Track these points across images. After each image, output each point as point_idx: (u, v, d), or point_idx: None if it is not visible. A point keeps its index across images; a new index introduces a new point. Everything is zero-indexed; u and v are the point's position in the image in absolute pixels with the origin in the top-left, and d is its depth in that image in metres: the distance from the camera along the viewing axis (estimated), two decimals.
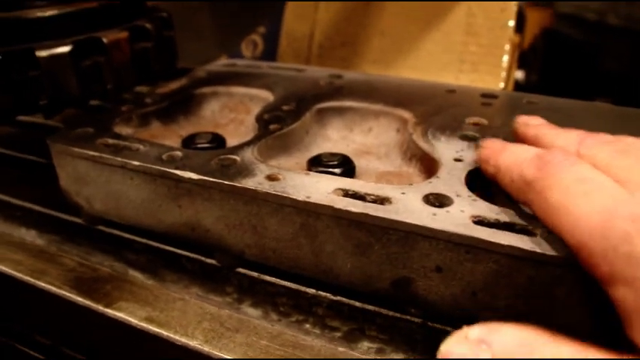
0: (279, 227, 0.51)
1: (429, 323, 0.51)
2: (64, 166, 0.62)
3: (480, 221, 0.45)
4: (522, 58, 1.72)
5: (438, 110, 0.66)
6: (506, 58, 0.96)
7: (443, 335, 0.51)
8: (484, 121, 0.63)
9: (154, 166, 0.55)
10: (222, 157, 0.56)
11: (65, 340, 0.64)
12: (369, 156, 0.65)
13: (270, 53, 1.20)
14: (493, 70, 0.96)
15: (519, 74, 1.47)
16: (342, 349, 0.49)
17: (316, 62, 1.12)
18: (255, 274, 0.57)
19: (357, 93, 0.72)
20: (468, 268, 0.44)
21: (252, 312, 0.55)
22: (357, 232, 0.47)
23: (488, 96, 0.72)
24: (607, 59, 2.20)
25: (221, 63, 0.88)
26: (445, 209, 0.46)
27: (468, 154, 0.56)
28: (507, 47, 0.96)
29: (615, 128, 0.52)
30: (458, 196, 0.48)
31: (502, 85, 0.98)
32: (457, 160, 0.55)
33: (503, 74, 0.96)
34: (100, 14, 0.71)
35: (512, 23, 0.99)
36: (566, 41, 2.17)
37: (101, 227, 0.65)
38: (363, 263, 0.49)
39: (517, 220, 0.45)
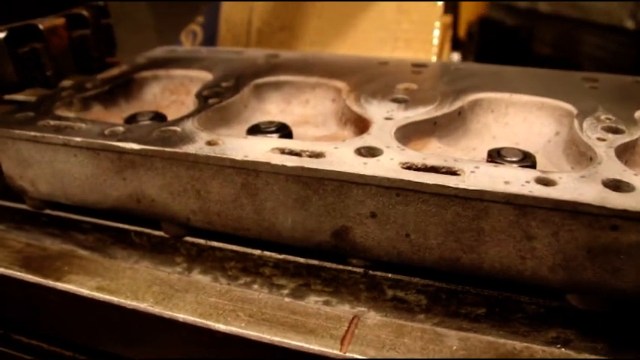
0: (222, 189, 0.53)
1: (370, 272, 0.54)
2: (6, 150, 0.62)
3: (408, 167, 0.48)
4: (460, 44, 1.78)
5: (371, 79, 0.69)
6: (436, 33, 1.00)
7: (385, 282, 0.54)
8: (414, 86, 0.67)
9: (96, 141, 0.56)
10: (162, 129, 0.57)
11: (17, 324, 0.64)
12: (307, 125, 0.68)
13: (210, 42, 1.22)
14: (425, 47, 1.01)
15: (456, 57, 1.52)
16: (287, 300, 0.51)
17: (256, 47, 1.14)
18: (202, 241, 0.59)
19: (294, 68, 0.74)
20: (400, 211, 0.47)
21: (201, 279, 0.57)
22: (295, 186, 0.50)
23: (419, 65, 0.75)
24: (538, 43, 2.30)
25: (161, 49, 0.89)
26: (376, 158, 0.49)
27: (398, 114, 0.59)
28: (437, 24, 1.00)
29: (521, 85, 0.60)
30: (388, 147, 0.51)
31: (434, 59, 1.02)
32: (387, 118, 0.58)
33: (435, 49, 1.00)
34: (36, 2, 0.71)
35: (440, 2, 1.03)
36: (501, 27, 2.26)
37: (47, 211, 0.65)
38: (303, 217, 0.51)
39: (443, 163, 0.48)
